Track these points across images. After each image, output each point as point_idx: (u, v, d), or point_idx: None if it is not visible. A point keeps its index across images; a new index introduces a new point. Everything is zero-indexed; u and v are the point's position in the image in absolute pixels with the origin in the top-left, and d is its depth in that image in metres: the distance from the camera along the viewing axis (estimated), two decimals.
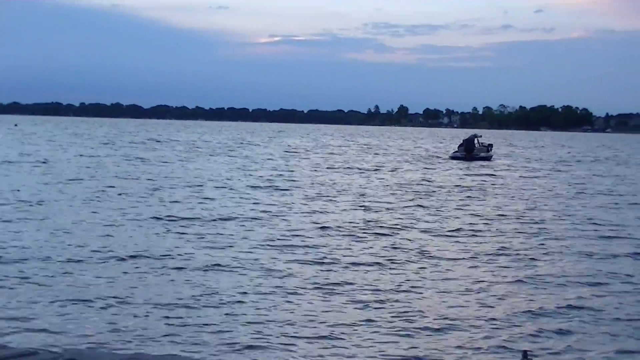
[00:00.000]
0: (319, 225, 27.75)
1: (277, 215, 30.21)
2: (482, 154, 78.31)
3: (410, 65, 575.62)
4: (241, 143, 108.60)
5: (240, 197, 36.48)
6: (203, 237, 24.35)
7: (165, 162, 61.35)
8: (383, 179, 51.89)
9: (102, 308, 15.55)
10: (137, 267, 19.53)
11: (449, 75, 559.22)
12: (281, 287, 17.88)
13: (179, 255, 21.24)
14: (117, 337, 13.60)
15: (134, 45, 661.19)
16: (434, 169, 64.69)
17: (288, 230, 26.41)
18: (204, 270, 19.40)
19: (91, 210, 29.97)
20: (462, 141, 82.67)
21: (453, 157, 79.28)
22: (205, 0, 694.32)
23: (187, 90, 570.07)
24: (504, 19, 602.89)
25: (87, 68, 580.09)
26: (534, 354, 13.04)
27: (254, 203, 34.35)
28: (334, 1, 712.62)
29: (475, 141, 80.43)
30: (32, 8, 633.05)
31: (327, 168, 60.30)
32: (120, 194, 35.90)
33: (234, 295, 16.91)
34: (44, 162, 54.68)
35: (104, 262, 19.93)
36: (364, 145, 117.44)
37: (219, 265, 20.13)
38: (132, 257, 20.71)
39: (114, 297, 16.38)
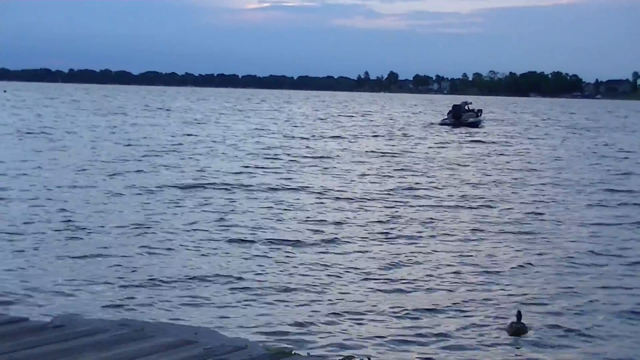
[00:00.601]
0: (321, 195, 27.78)
1: (281, 186, 30.25)
2: (471, 120, 78.36)
3: (400, 31, 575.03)
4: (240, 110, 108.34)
5: (244, 165, 36.49)
6: (202, 206, 24.40)
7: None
8: (379, 147, 51.92)
9: (95, 277, 15.53)
10: (131, 237, 19.50)
11: (438, 42, 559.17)
12: (279, 259, 17.89)
13: (173, 226, 21.23)
14: (109, 304, 13.59)
15: (123, 11, 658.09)
16: (426, 137, 64.72)
17: (288, 199, 26.46)
18: (198, 240, 19.40)
19: (89, 179, 29.98)
20: (451, 107, 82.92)
21: (442, 124, 79.61)
22: None
23: (176, 56, 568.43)
24: None
25: (76, 34, 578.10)
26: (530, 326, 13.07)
27: (256, 168, 34.37)
28: None
29: (466, 107, 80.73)
30: None
31: (331, 137, 60.26)
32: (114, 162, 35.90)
33: (228, 266, 16.92)
34: (42, 132, 54.32)
35: (99, 233, 19.84)
36: (366, 113, 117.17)
37: (210, 234, 20.12)
38: (126, 227, 20.63)
39: (108, 267, 16.39)
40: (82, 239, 18.88)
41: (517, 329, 12.62)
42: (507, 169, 38.97)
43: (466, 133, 67.49)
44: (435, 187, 30.67)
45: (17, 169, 31.49)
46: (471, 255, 18.59)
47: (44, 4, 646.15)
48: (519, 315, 12.79)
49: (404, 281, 15.93)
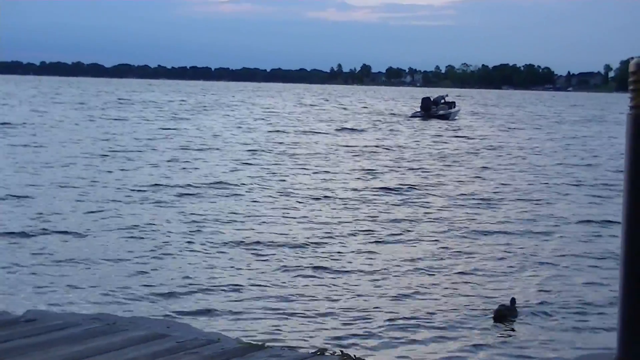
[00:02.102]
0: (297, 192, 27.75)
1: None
2: (441, 112, 78.42)
3: (373, 23, 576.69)
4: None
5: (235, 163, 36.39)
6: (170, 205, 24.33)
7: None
8: (360, 139, 52.00)
9: (68, 271, 15.48)
10: (108, 235, 19.41)
11: (411, 34, 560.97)
12: (251, 254, 17.89)
13: (150, 223, 21.18)
14: (81, 299, 13.56)
15: (95, 3, 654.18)
16: (399, 130, 64.83)
17: (267, 198, 26.46)
18: (173, 236, 19.37)
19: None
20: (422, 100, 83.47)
21: (413, 116, 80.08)
22: None
23: (149, 49, 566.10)
24: None
25: (47, 26, 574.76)
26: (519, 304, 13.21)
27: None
28: None
29: (442, 101, 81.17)
30: None
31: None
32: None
33: (201, 261, 16.91)
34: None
35: (73, 229, 19.73)
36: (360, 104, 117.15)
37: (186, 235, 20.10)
38: (100, 222, 20.58)
39: (79, 262, 16.33)
40: (54, 234, 18.81)
41: (500, 312, 12.74)
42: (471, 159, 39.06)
43: (434, 125, 67.48)
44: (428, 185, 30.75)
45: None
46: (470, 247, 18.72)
47: None
48: (512, 301, 12.93)
49: (381, 274, 15.98)
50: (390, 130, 61.20)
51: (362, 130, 58.94)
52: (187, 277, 15.17)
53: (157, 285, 14.57)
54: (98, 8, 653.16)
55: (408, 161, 37.76)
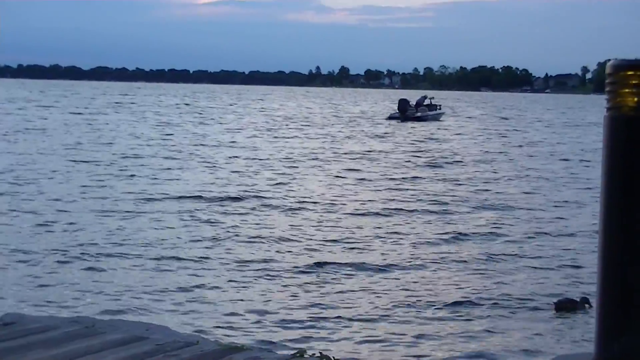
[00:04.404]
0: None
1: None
2: (419, 114, 78.26)
3: (351, 26, 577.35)
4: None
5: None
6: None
7: None
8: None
9: (46, 273, 15.42)
10: (89, 234, 19.33)
11: (389, 36, 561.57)
12: (231, 255, 17.86)
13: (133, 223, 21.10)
14: (61, 301, 13.50)
15: (72, 5, 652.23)
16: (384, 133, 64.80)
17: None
18: (152, 238, 19.32)
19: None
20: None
21: (390, 117, 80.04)
22: None
23: (127, 51, 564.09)
24: None
25: (24, 29, 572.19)
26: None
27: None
28: None
29: (429, 101, 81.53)
30: None
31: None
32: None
33: (181, 262, 16.88)
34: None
35: (51, 232, 19.65)
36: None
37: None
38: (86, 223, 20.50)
39: (55, 263, 16.27)
40: (32, 236, 18.74)
41: (562, 304, 12.83)
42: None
43: (407, 127, 67.39)
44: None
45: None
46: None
47: None
48: (583, 300, 12.95)
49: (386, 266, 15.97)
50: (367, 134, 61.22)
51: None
52: (166, 280, 15.14)
53: (135, 288, 14.52)
54: (76, 10, 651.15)
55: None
